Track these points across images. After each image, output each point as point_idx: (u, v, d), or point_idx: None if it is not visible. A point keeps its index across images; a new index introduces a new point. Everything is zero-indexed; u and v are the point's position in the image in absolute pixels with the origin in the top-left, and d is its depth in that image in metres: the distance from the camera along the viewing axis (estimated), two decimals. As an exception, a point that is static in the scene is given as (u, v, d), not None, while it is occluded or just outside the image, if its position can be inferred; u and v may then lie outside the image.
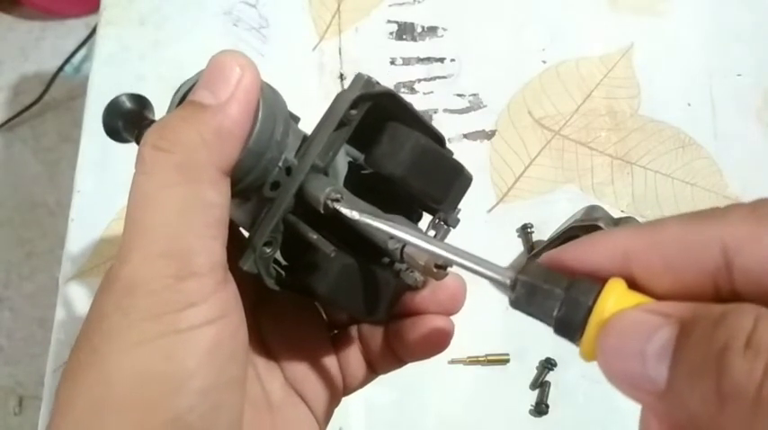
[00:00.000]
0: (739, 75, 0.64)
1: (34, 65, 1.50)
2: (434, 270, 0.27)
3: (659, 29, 0.66)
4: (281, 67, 0.64)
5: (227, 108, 0.25)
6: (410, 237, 0.24)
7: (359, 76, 0.28)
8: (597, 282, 0.20)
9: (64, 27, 1.52)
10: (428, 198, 0.30)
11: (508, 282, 0.22)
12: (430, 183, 0.30)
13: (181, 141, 0.24)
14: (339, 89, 0.63)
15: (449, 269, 0.27)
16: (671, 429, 0.20)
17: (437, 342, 0.31)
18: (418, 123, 0.30)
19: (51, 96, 1.43)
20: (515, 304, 0.22)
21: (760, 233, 0.18)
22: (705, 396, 0.16)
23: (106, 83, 0.64)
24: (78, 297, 0.56)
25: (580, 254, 0.21)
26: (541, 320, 0.21)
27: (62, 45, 1.49)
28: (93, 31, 1.16)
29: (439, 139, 0.31)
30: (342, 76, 0.64)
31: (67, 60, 1.42)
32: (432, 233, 0.31)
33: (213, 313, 0.24)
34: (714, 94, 0.63)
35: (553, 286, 0.21)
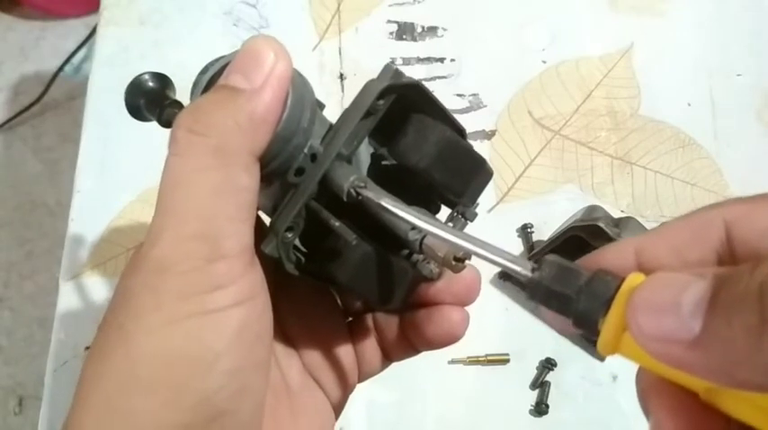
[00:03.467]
0: (739, 75, 0.64)
1: (34, 65, 1.50)
2: (453, 262, 0.27)
3: (659, 29, 0.66)
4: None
5: (262, 94, 0.25)
6: (434, 228, 0.25)
7: (387, 67, 0.28)
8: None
9: (64, 27, 1.52)
10: (449, 191, 0.31)
11: (530, 274, 0.22)
12: (453, 175, 0.30)
13: (215, 125, 0.24)
14: (339, 89, 0.64)
15: (466, 262, 0.27)
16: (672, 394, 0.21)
17: (452, 333, 0.32)
18: (442, 115, 0.30)
19: (51, 96, 1.43)
20: (535, 290, 0.22)
21: (754, 209, 0.21)
22: (747, 325, 0.17)
23: (106, 83, 0.63)
24: (79, 297, 0.56)
25: (593, 258, 0.23)
26: (560, 307, 0.21)
27: (62, 45, 1.49)
28: (93, 31, 1.16)
29: (461, 132, 0.31)
30: (342, 76, 0.64)
31: (67, 60, 1.42)
32: (450, 226, 0.31)
33: (241, 295, 0.24)
34: (714, 94, 0.63)
35: (579, 268, 0.22)
